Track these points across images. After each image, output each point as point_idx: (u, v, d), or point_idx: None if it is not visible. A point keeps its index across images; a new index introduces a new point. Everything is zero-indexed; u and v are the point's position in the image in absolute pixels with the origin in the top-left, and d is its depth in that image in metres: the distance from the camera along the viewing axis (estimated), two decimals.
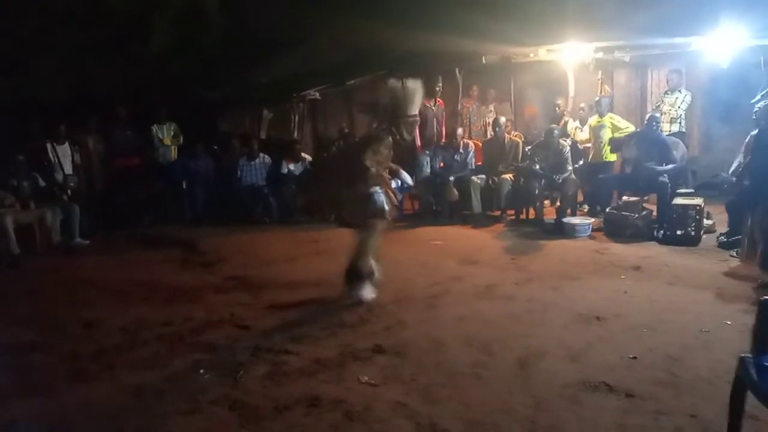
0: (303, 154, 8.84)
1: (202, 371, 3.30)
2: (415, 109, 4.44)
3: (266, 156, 8.72)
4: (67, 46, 8.58)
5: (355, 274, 4.37)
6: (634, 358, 3.22)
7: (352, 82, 9.40)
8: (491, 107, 9.64)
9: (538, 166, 7.07)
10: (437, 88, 8.00)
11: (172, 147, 9.09)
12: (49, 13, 8.41)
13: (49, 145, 7.49)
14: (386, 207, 4.30)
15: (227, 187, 8.59)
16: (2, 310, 4.69)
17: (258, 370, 3.28)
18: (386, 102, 4.44)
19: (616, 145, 7.21)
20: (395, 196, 4.59)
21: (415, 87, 4.39)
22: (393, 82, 4.44)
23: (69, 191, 7.40)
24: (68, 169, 7.63)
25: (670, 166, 6.44)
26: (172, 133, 9.07)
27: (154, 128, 8.96)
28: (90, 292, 5.09)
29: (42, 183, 7.07)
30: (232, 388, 3.07)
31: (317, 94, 10.05)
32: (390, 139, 4.36)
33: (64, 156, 7.62)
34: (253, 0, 9.76)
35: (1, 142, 7.30)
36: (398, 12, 7.84)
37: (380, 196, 4.27)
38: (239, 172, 8.58)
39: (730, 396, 2.26)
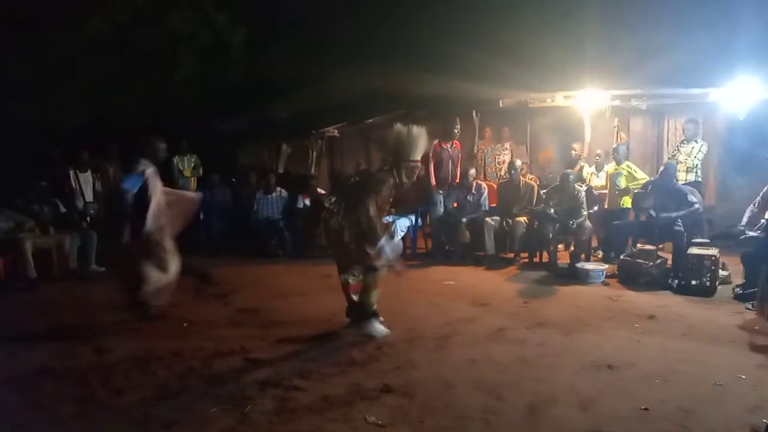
0: (319, 190, 8.92)
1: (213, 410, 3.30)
2: (417, 155, 4.52)
3: (283, 190, 8.83)
4: (93, 75, 8.83)
5: (363, 313, 4.45)
6: (646, 409, 3.17)
7: (371, 120, 9.54)
8: (507, 145, 9.71)
9: (552, 210, 7.08)
10: (455, 131, 8.08)
11: (192, 178, 9.24)
12: (78, 43, 8.70)
13: (71, 173, 7.64)
14: (388, 256, 4.32)
15: (243, 219, 8.68)
16: (16, 333, 4.73)
17: (266, 404, 3.27)
18: (390, 144, 4.53)
19: (637, 201, 7.13)
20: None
21: (420, 133, 4.48)
22: (399, 127, 4.54)
23: (88, 218, 7.51)
24: (89, 196, 7.75)
25: (683, 212, 6.39)
26: (192, 164, 9.24)
27: (175, 159, 9.12)
28: (103, 318, 5.13)
29: (62, 209, 7.19)
30: (239, 422, 3.06)
31: (336, 131, 10.20)
32: (391, 180, 4.42)
33: (86, 183, 7.75)
34: (276, 38, 10.05)
35: (24, 168, 7.48)
36: (417, 55, 8.03)
37: (386, 248, 4.29)
38: (256, 205, 8.68)
39: None
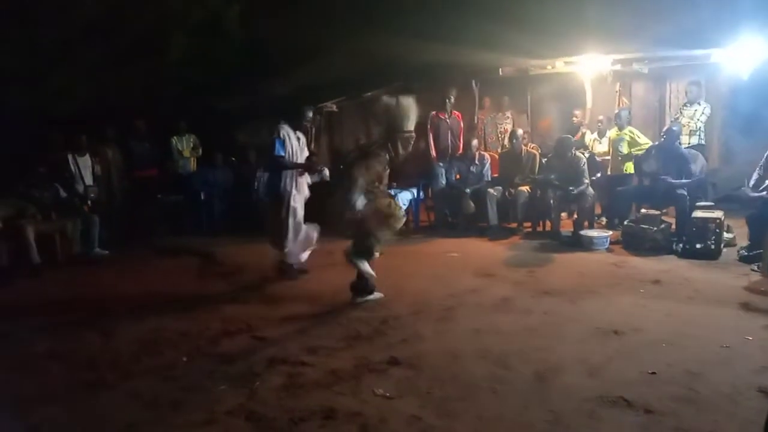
0: (320, 166, 8.86)
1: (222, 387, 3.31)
2: (410, 125, 4.48)
3: None
4: (87, 59, 8.73)
5: (361, 286, 4.56)
6: (653, 373, 3.17)
7: (369, 94, 9.43)
8: (508, 114, 9.61)
9: (553, 177, 7.03)
10: (448, 100, 8.00)
11: (191, 158, 9.20)
12: (71, 26, 8.59)
13: (70, 157, 7.60)
14: (360, 208, 4.33)
15: (245, 197, 8.65)
16: (22, 318, 4.75)
17: (274, 381, 3.28)
18: (381, 118, 4.50)
19: (639, 165, 7.09)
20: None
21: (409, 103, 4.44)
22: (387, 99, 4.50)
23: (89, 202, 7.50)
24: (89, 180, 7.73)
25: (686, 180, 6.36)
26: (191, 144, 9.20)
27: (174, 140, 9.09)
28: (108, 301, 5.14)
29: (63, 194, 7.17)
30: (248, 399, 3.07)
31: (334, 107, 10.11)
32: (386, 155, 4.41)
33: (85, 167, 7.73)
34: (271, 13, 9.88)
35: (23, 154, 7.44)
36: (415, 24, 7.89)
37: (360, 201, 4.32)
38: (256, 183, 8.64)
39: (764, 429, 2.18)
